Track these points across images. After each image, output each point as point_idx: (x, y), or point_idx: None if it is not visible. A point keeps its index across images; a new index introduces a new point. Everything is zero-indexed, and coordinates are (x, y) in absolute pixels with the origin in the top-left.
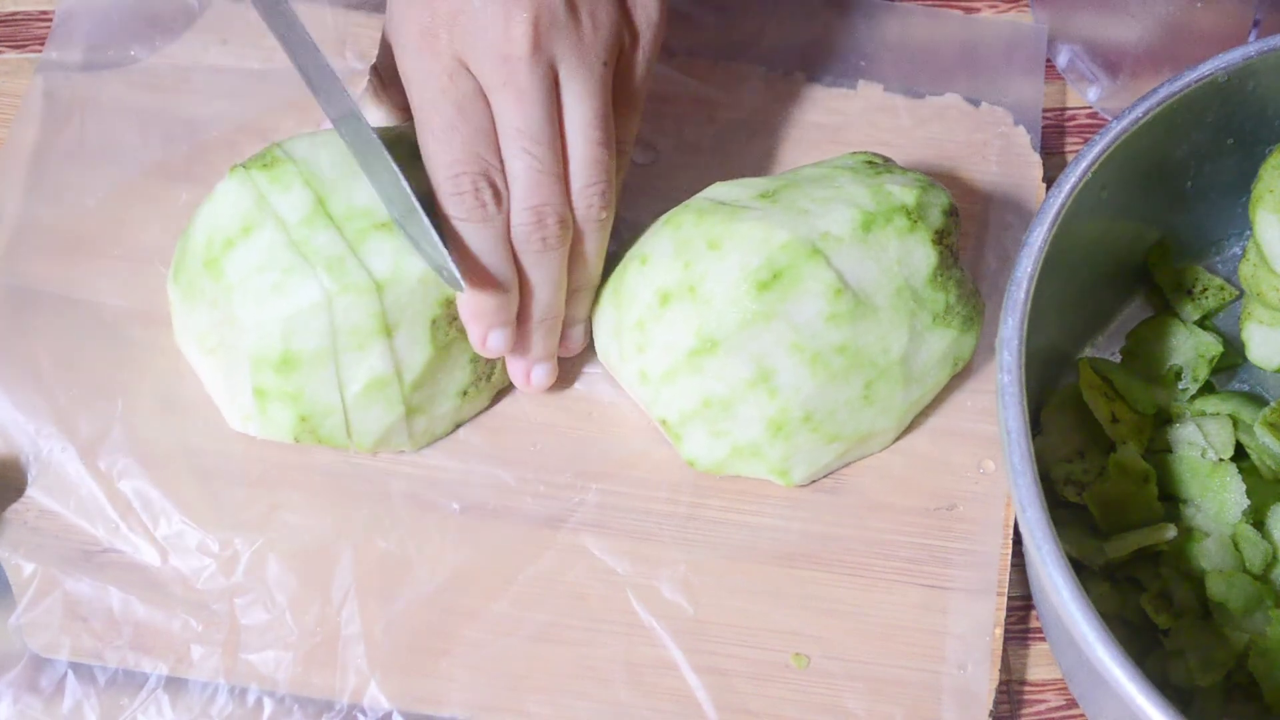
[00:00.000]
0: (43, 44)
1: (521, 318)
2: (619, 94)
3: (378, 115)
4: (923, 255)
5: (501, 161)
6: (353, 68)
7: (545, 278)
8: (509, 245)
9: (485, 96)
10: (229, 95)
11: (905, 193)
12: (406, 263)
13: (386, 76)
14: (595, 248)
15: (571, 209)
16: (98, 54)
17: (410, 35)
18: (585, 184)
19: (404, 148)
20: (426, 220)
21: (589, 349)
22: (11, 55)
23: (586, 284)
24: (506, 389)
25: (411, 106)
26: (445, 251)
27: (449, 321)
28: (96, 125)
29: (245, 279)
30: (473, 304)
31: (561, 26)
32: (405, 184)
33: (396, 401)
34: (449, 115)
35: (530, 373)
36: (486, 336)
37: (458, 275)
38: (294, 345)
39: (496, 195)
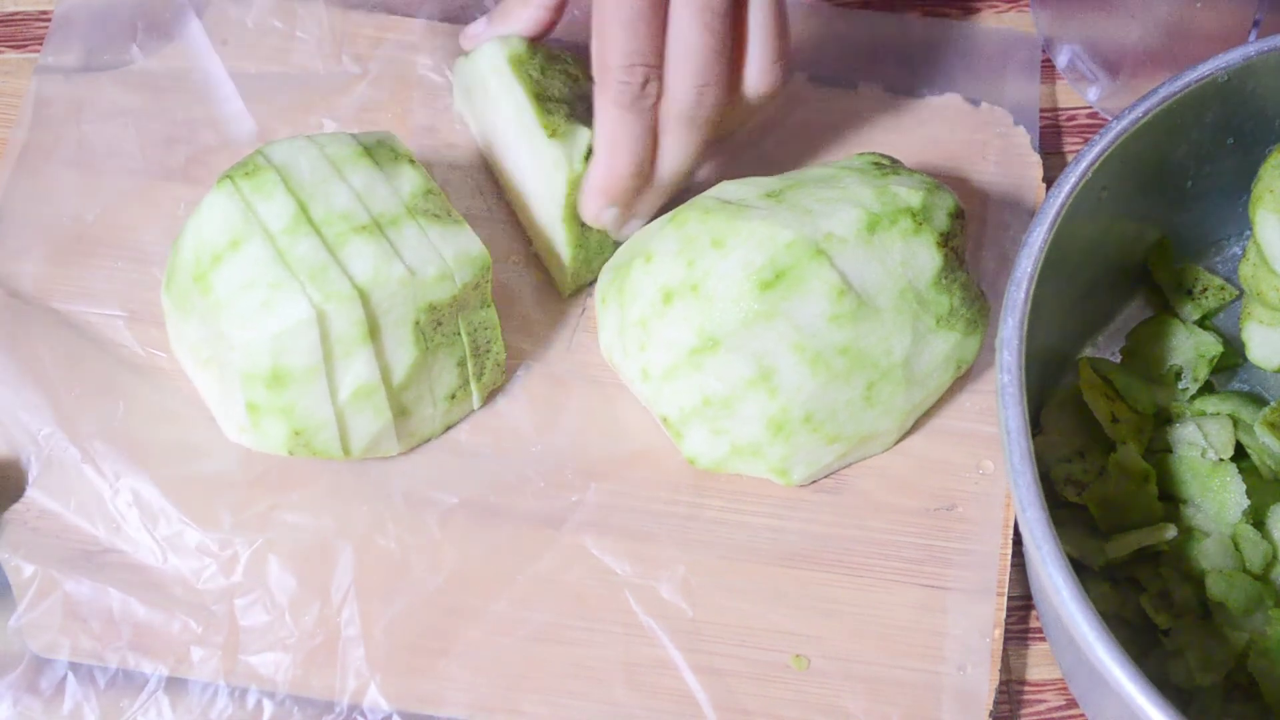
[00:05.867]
0: (42, 44)
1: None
2: None
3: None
4: (927, 258)
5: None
6: (349, 71)
7: (682, 152)
8: (654, 134)
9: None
10: (228, 97)
11: (911, 195)
12: (387, 266)
13: None
14: (752, 112)
15: (741, 87)
16: (96, 56)
17: None
18: (770, 61)
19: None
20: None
21: (590, 350)
22: (11, 55)
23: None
24: (499, 388)
25: None
26: None
27: (434, 326)
28: (95, 127)
29: (233, 296)
30: (604, 181)
31: None
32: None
33: (384, 407)
34: (639, 7)
35: (629, 224)
36: (603, 211)
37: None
38: (284, 361)
39: (658, 91)
